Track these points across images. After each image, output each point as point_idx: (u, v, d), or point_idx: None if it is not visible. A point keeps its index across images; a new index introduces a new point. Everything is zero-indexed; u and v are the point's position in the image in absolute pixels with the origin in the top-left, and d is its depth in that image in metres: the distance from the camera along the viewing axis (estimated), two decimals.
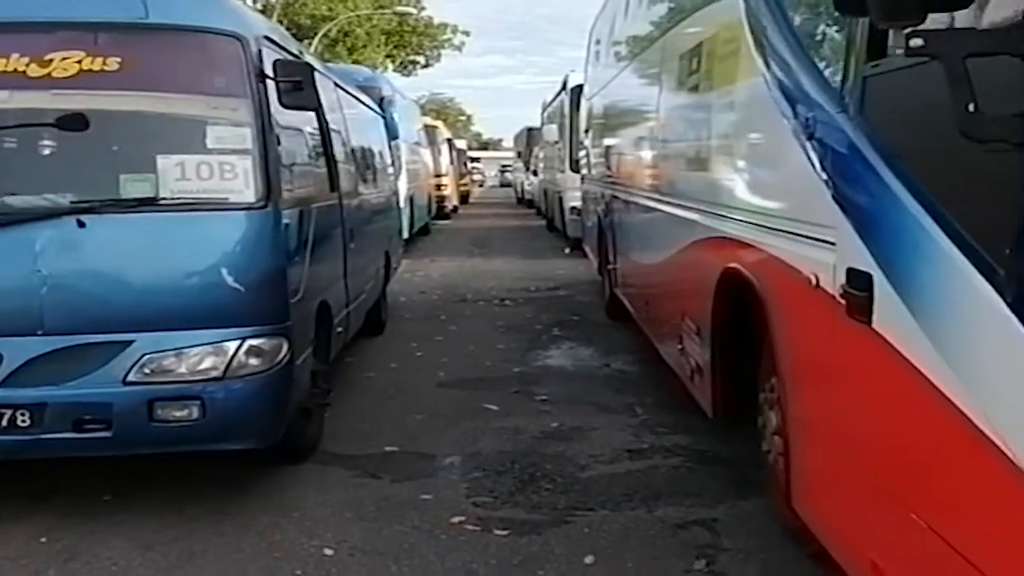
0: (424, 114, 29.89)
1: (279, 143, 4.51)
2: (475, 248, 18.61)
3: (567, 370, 7.50)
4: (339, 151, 6.58)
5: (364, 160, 8.41)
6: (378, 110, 11.07)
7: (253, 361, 4.19)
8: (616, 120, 8.49)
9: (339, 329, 5.94)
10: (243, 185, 4.22)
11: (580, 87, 14.14)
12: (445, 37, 45.74)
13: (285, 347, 4.29)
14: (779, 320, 3.28)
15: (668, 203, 5.56)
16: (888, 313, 2.31)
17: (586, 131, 11.74)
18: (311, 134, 5.60)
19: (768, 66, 3.37)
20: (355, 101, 8.68)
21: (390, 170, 11.40)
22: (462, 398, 6.59)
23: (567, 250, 17.09)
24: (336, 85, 7.18)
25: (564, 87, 17.36)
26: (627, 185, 7.64)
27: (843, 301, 2.56)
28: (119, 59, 4.22)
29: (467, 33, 46.64)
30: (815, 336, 2.88)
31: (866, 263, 2.40)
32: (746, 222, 3.71)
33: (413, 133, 21.34)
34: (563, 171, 17.08)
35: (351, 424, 5.87)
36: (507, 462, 5.12)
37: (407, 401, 6.50)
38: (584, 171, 12.80)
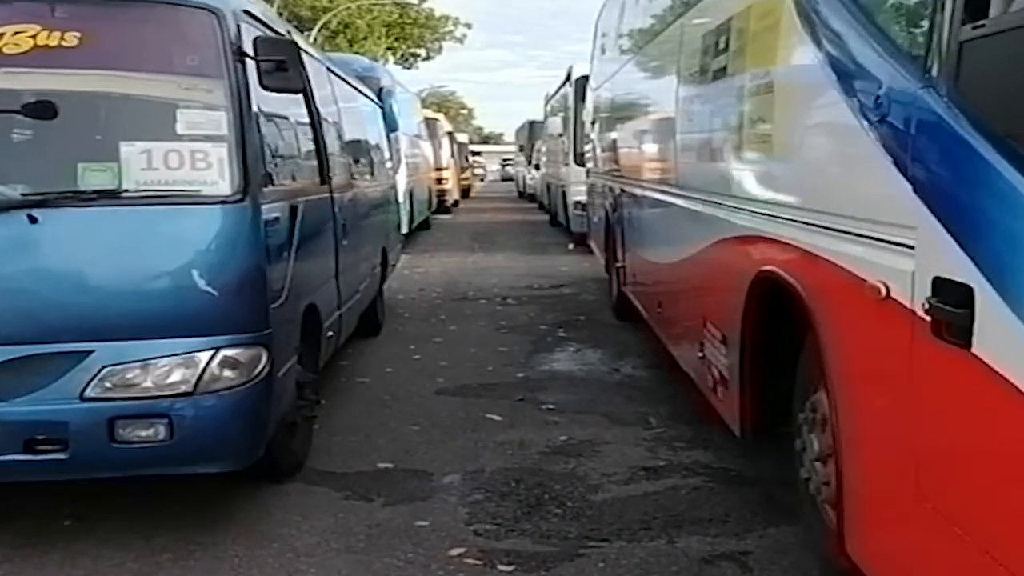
0: (425, 107, 29.42)
1: (259, 130, 4.05)
2: (476, 244, 18.15)
3: (574, 376, 7.04)
4: (331, 141, 6.12)
5: (360, 152, 7.95)
6: (376, 100, 10.61)
7: (228, 374, 3.73)
8: (626, 111, 8.02)
9: (329, 334, 5.48)
10: (217, 176, 3.76)
11: (585, 78, 13.65)
12: (446, 29, 45.36)
13: (264, 357, 3.83)
14: (832, 334, 2.82)
15: (687, 198, 5.10)
16: (995, 335, 1.86)
17: (592, 123, 11.26)
18: (298, 122, 5.14)
19: (820, 38, 2.90)
20: (351, 89, 8.21)
21: (388, 163, 10.94)
22: (462, 407, 6.13)
23: (571, 245, 16.64)
24: (329, 71, 6.71)
25: (568, 78, 16.88)
26: (639, 179, 7.17)
27: (927, 317, 2.10)
28: (78, 34, 3.75)
29: (468, 25, 46.33)
30: (885, 356, 2.42)
31: (964, 273, 1.94)
32: (788, 219, 3.24)
33: (413, 126, 20.87)
34: (567, 164, 16.61)
35: (342, 437, 5.41)
36: (511, 482, 4.66)
37: (403, 410, 6.05)
38: (590, 164, 12.33)
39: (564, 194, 17.53)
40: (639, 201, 7.20)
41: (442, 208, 26.12)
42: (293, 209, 4.48)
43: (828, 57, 2.84)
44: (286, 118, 4.80)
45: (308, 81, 5.38)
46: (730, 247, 4.10)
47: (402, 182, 16.32)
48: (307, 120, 5.36)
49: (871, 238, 2.45)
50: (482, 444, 5.29)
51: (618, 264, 8.87)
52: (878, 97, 2.34)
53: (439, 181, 26.00)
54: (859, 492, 2.74)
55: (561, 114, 17.82)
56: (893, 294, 2.31)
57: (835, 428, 2.87)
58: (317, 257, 5.17)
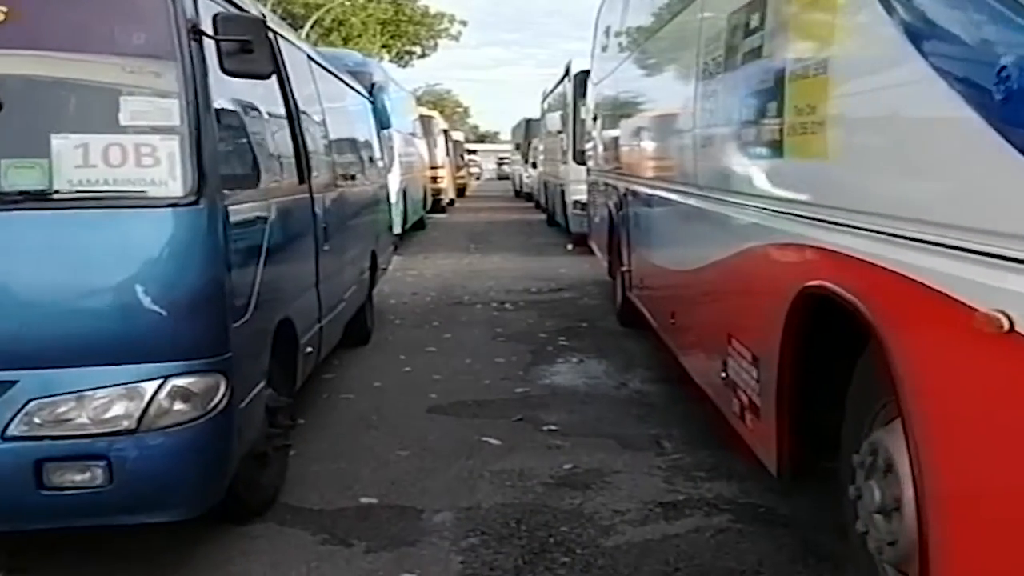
0: (420, 106, 28.86)
1: (219, 121, 3.48)
2: (472, 244, 17.59)
3: (578, 391, 6.48)
4: (313, 137, 5.57)
5: (347, 149, 7.40)
6: (367, 95, 10.05)
7: (179, 407, 3.17)
8: (634, 105, 7.46)
9: (308, 350, 4.92)
10: (167, 174, 3.20)
11: (585, 73, 13.10)
12: (442, 27, 44.87)
13: (223, 386, 3.27)
14: (917, 372, 2.26)
15: (709, 199, 4.55)
16: None
17: (594, 119, 10.71)
18: (271, 114, 4.58)
19: (895, 2, 2.35)
20: (338, 83, 7.65)
21: (380, 161, 10.38)
22: (456, 427, 5.58)
23: (570, 246, 16.09)
24: (312, 61, 6.15)
25: (567, 73, 16.33)
26: (648, 177, 6.61)
27: None
28: (3, 8, 3.19)
29: (464, 23, 45.86)
30: (1003, 404, 1.87)
31: None
32: (851, 227, 2.68)
33: (407, 123, 20.30)
34: (566, 162, 16.05)
35: (321, 465, 4.85)
36: (511, 522, 4.11)
37: (391, 432, 5.49)
38: (591, 162, 11.77)
39: (563, 193, 16.97)
40: (649, 201, 6.64)
41: (437, 207, 25.55)
42: (263, 212, 3.93)
43: (908, 22, 2.28)
44: (256, 109, 4.24)
45: (284, 69, 4.83)
46: (765, 255, 3.54)
47: (395, 181, 15.77)
48: (283, 113, 4.81)
49: (987, 255, 1.89)
50: (478, 473, 4.74)
51: (623, 268, 8.32)
52: (1002, 69, 1.79)
53: (434, 180, 25.45)
54: (958, 567, 2.18)
55: (559, 111, 17.26)
56: (1019, 327, 1.76)
57: (920, 484, 2.32)
58: (293, 265, 4.62)
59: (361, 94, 9.71)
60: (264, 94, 4.35)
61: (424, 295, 11.08)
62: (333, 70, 7.60)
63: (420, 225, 20.58)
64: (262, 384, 3.85)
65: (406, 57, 44.88)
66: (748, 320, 3.90)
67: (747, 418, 3.98)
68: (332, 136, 6.48)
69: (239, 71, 3.49)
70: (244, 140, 3.94)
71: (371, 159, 9.17)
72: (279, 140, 4.67)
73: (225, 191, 3.40)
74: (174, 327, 3.14)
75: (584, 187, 13.34)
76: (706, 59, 4.48)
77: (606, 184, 9.63)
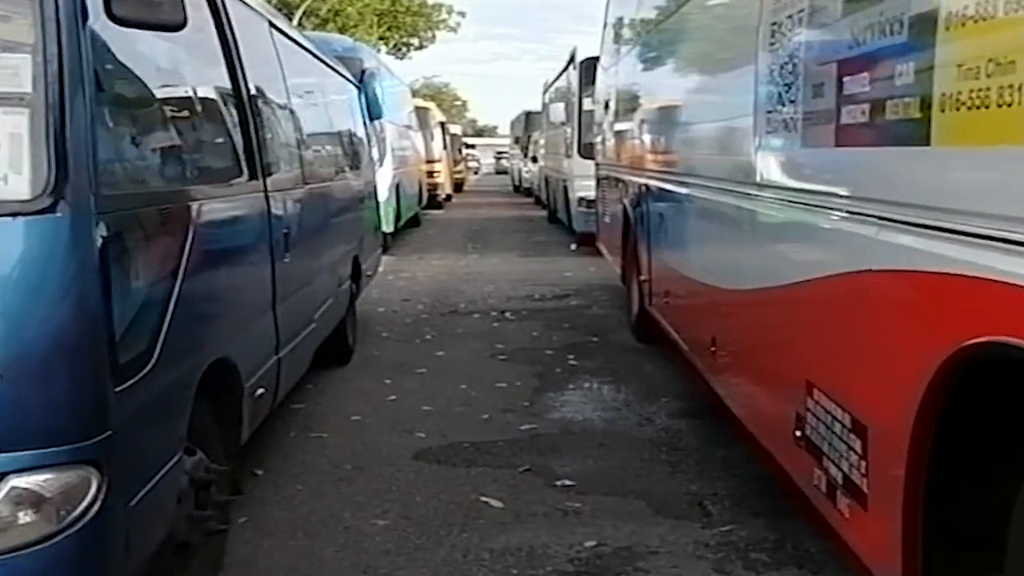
0: (418, 99, 27.77)
1: (101, 90, 2.42)
2: (470, 243, 16.51)
3: (595, 428, 5.42)
4: (273, 123, 4.51)
5: (325, 139, 6.34)
6: (353, 80, 8.97)
7: (24, 520, 2.12)
8: (661, 87, 6.39)
9: (260, 391, 3.86)
10: (6, 165, 2.14)
11: (593, 60, 12.06)
12: (440, 18, 43.87)
13: (95, 484, 2.21)
14: None
15: (779, 201, 3.48)
16: None
17: (605, 107, 9.63)
18: (203, 89, 3.52)
19: None
20: (315, 62, 6.59)
21: (369, 154, 9.32)
22: (449, 481, 4.53)
23: (573, 246, 15.04)
24: (273, 27, 5.08)
25: (572, 61, 15.25)
26: (679, 172, 5.54)
27: None
28: None
29: (462, 14, 44.77)
30: None
31: None
32: None
33: (402, 114, 19.24)
34: (570, 156, 14.98)
35: (276, 540, 3.81)
36: None
37: (368, 487, 4.44)
38: (600, 156, 10.70)
39: (566, 189, 15.90)
40: (679, 200, 5.58)
41: (433, 203, 24.48)
42: (179, 220, 2.86)
43: None
44: (173, 81, 3.18)
45: (229, 34, 3.76)
46: (891, 287, 2.48)
47: (387, 175, 14.72)
48: (225, 90, 3.75)
49: None
50: (473, 555, 3.68)
51: (641, 277, 7.26)
52: None
53: (430, 174, 24.37)
54: None
55: (563, 101, 16.19)
56: None
57: None
58: (234, 287, 3.56)
59: (348, 80, 8.66)
60: (190, 61, 3.29)
61: (416, 302, 10.02)
62: (310, 47, 6.53)
63: (415, 222, 19.53)
64: (176, 457, 2.79)
65: (403, 49, 43.96)
66: (849, 371, 2.84)
67: (841, 502, 2.92)
68: (303, 124, 5.43)
69: (134, 18, 2.43)
70: (149, 121, 2.88)
71: (357, 152, 8.11)
72: (214, 124, 3.61)
73: (106, 192, 2.33)
74: (14, 398, 2.08)
75: (590, 183, 12.30)
76: (778, 18, 3.40)
77: (619, 179, 8.56)
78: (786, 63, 3.27)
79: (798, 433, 3.29)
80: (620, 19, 8.83)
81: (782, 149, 3.40)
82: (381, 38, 41.46)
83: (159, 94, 3.00)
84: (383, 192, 14.39)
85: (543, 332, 8.27)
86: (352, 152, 7.79)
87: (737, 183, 4.06)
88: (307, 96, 5.93)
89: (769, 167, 3.60)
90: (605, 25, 10.14)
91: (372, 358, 7.23)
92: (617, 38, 9.14)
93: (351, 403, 5.93)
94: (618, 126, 8.71)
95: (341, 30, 37.51)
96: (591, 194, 13.05)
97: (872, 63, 2.56)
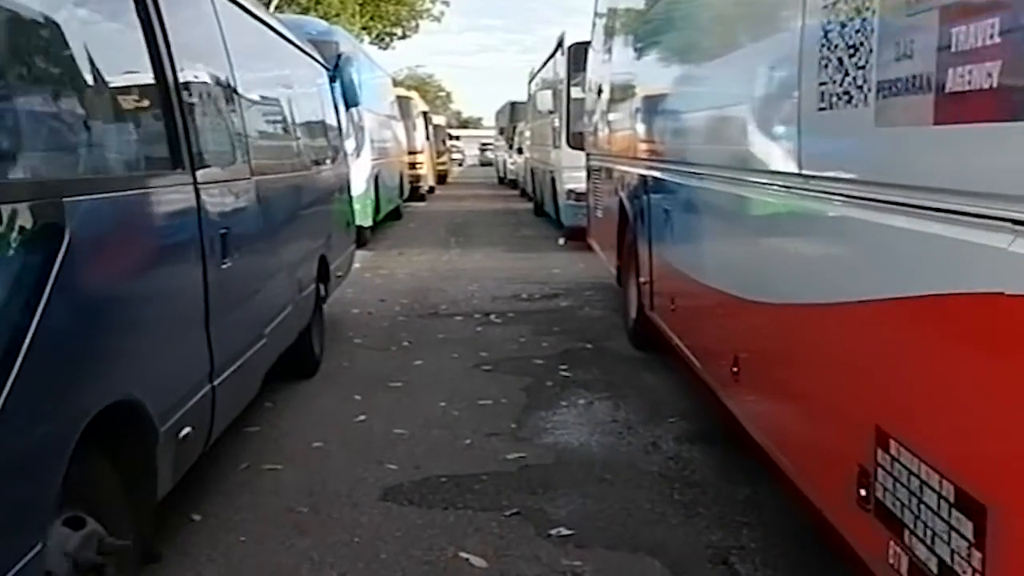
0: (403, 89, 26.98)
1: None
2: (452, 237, 15.76)
3: (593, 456, 4.70)
4: (210, 105, 3.76)
5: (284, 126, 5.58)
6: (324, 64, 8.19)
7: None
8: (669, 65, 5.62)
9: (185, 431, 3.11)
10: None
11: (583, 45, 11.34)
12: (423, 7, 43.06)
13: None
14: None
15: (834, 196, 2.75)
16: None
17: (598, 92, 8.88)
18: (106, 59, 2.76)
19: None
20: (273, 39, 5.83)
21: (342, 143, 8.55)
22: (421, 530, 3.80)
23: (561, 241, 14.32)
24: None
25: (560, 46, 14.49)
26: (692, 162, 4.79)
27: None
28: None
29: (447, 3, 44.02)
30: None
31: None
32: None
33: (383, 103, 18.47)
34: (558, 146, 14.24)
35: None
36: None
37: (326, 539, 3.70)
38: (592, 146, 9.96)
39: (554, 181, 15.17)
40: (691, 195, 4.85)
41: (416, 195, 23.75)
42: (45, 219, 2.11)
43: None
44: (56, 49, 2.42)
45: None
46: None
47: (365, 166, 13.99)
48: (139, 60, 3.00)
49: None
50: None
51: (641, 279, 6.53)
52: None
53: (412, 166, 23.63)
54: None
55: (550, 89, 15.44)
56: None
57: None
58: (140, 305, 2.80)
59: (317, 62, 7.89)
60: (85, 29, 2.53)
61: (394, 303, 9.27)
62: (271, 23, 5.78)
63: (396, 215, 18.78)
64: (37, 547, 2.04)
65: (387, 39, 43.22)
66: (953, 425, 2.12)
67: None
68: (254, 109, 4.68)
69: None
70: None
71: (327, 141, 7.35)
72: (115, 104, 2.86)
73: None
74: None
75: (580, 175, 11.60)
76: None
77: (615, 171, 7.83)
78: (851, 17, 2.54)
79: (863, 492, 2.58)
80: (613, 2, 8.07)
81: (842, 130, 2.67)
82: (364, 27, 40.66)
83: (32, 61, 2.25)
84: (360, 184, 13.66)
85: (531, 338, 7.55)
86: (320, 141, 7.04)
87: (771, 174, 3.33)
88: (261, 78, 5.18)
89: (820, 153, 2.87)
90: (595, 10, 9.41)
91: (341, 370, 6.48)
92: (612, 15, 8.39)
93: (313, 425, 5.20)
94: (614, 112, 7.97)
95: (323, 19, 36.73)
96: (581, 186, 12.33)
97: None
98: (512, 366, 6.59)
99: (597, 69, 9.05)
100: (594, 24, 9.61)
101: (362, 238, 13.97)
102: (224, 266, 3.57)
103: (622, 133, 7.43)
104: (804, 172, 2.95)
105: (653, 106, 6.05)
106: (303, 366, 6.05)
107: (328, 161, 7.28)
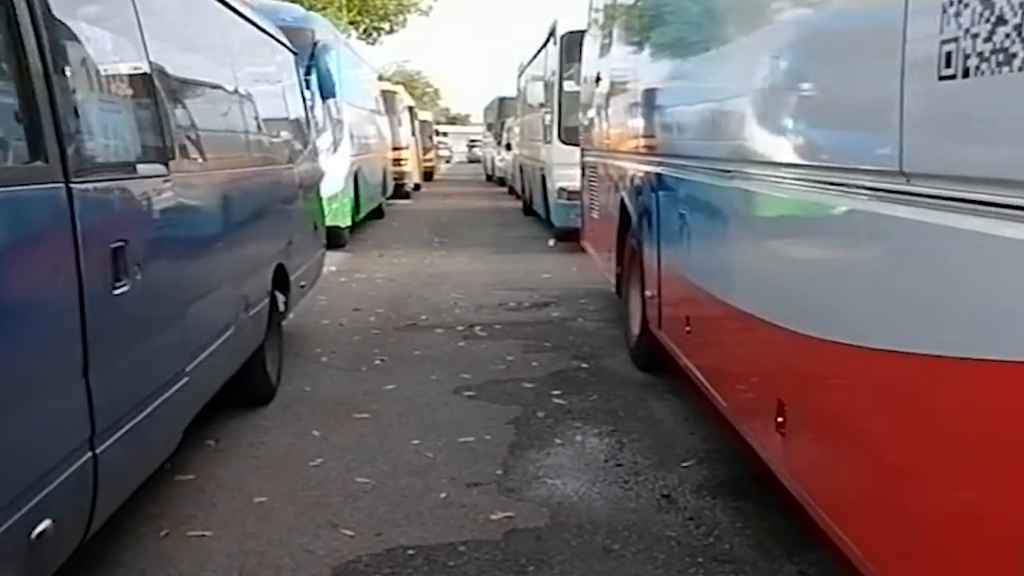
0: (390, 85, 26.04)
1: None
2: (436, 238, 14.87)
3: (596, 515, 3.84)
4: (97, 77, 2.88)
5: (224, 113, 4.70)
6: (290, 47, 7.30)
7: None
8: (697, 40, 4.70)
9: (41, 528, 2.23)
10: None
11: (577, 34, 10.52)
12: (411, 1, 42.14)
13: None
14: None
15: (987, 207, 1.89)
16: None
17: (597, 81, 8.01)
18: None
19: None
20: (219, 10, 4.95)
21: (311, 137, 7.69)
22: None
23: (552, 242, 13.49)
24: None
25: (552, 36, 13.63)
26: (729, 158, 3.85)
27: None
28: None
29: None
30: None
31: None
32: None
33: (366, 96, 17.56)
34: (549, 142, 13.38)
35: None
36: None
37: None
38: (587, 140, 9.11)
39: (544, 179, 14.32)
40: (724, 198, 3.97)
41: (400, 193, 22.83)
42: None
43: None
44: None
45: None
46: None
47: (343, 162, 13.11)
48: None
49: None
50: None
51: (648, 292, 5.68)
52: None
53: (397, 162, 22.71)
54: None
55: (541, 81, 14.57)
56: None
57: None
58: None
59: (285, 47, 7.00)
60: None
61: (369, 312, 8.39)
62: None
63: (378, 214, 17.86)
64: None
65: (374, 34, 42.33)
66: None
67: None
68: (181, 91, 3.80)
69: None
70: None
71: (290, 134, 6.48)
72: None
73: None
74: None
75: (573, 172, 10.81)
76: None
77: (616, 167, 6.98)
78: None
79: None
80: None
81: (985, 108, 1.81)
82: (351, 23, 39.75)
83: None
84: (337, 182, 12.77)
85: (520, 355, 6.69)
86: (281, 134, 6.17)
87: (850, 172, 2.47)
88: (197, 58, 4.31)
89: (938, 144, 2.01)
90: None
91: (301, 396, 5.61)
92: (607, 4, 7.52)
93: (259, 472, 4.33)
94: (616, 102, 7.09)
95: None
96: (574, 184, 11.52)
97: None
98: (498, 391, 5.73)
99: (596, 56, 8.17)
100: (591, 7, 8.75)
101: (340, 239, 13.11)
102: (118, 291, 2.70)
103: (626, 125, 6.56)
104: (907, 170, 2.10)
105: (670, 92, 5.17)
106: (255, 393, 5.20)
107: (291, 157, 6.40)
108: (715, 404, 4.10)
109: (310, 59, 12.13)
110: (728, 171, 3.72)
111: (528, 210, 18.32)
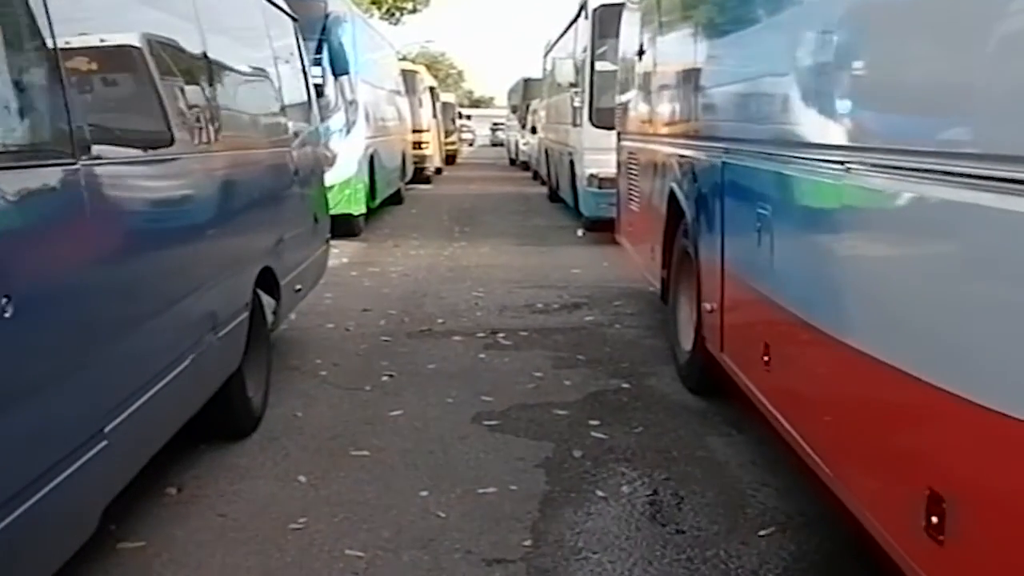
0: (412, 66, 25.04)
1: None
2: (457, 226, 13.93)
3: None
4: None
5: (181, 86, 3.76)
6: (287, 10, 6.35)
7: None
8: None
9: None
10: None
11: (613, 7, 9.58)
12: None
13: None
14: None
15: None
16: None
17: (640, 55, 7.03)
18: None
19: None
20: None
21: (314, 116, 6.76)
22: None
23: (580, 232, 12.56)
24: None
25: (583, 10, 12.61)
26: (860, 144, 2.85)
27: None
28: None
29: None
30: None
31: None
32: None
33: (384, 75, 16.60)
34: (579, 125, 12.39)
35: None
36: None
37: None
38: (625, 123, 8.14)
39: (572, 164, 13.35)
40: (827, 197, 3.00)
41: (420, 177, 21.87)
42: None
43: None
44: None
45: None
46: None
47: (357, 145, 12.23)
48: None
49: None
50: None
51: (706, 305, 4.72)
52: None
53: (418, 145, 21.72)
54: None
55: (571, 59, 13.56)
56: None
57: None
58: None
59: (281, 9, 6.07)
60: None
61: (380, 313, 7.49)
62: None
63: (396, 199, 16.93)
64: None
65: (397, 14, 41.44)
66: None
67: None
68: (108, 58, 2.87)
69: None
70: None
71: (287, 111, 5.56)
72: None
73: None
74: None
75: (606, 157, 9.89)
76: None
77: (664, 154, 6.02)
78: None
79: None
80: None
81: None
82: (373, 2, 38.87)
83: None
84: (350, 166, 11.87)
85: (550, 371, 5.77)
86: (271, 110, 5.25)
87: None
88: (161, 23, 3.38)
89: None
90: None
91: (291, 425, 4.71)
92: None
93: (225, 538, 3.43)
94: (667, 79, 6.09)
95: None
96: (606, 171, 10.61)
97: None
98: (525, 420, 4.82)
99: (639, 28, 7.19)
100: None
101: (353, 228, 12.24)
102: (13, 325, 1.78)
103: (681, 105, 5.57)
104: None
105: (748, 62, 4.18)
106: (232, 425, 4.30)
107: (284, 137, 5.48)
108: (811, 466, 3.14)
109: (321, 32, 11.23)
110: (843, 163, 2.74)
111: (554, 197, 17.37)
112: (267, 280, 4.68)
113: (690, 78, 5.13)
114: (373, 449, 4.36)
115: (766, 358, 3.66)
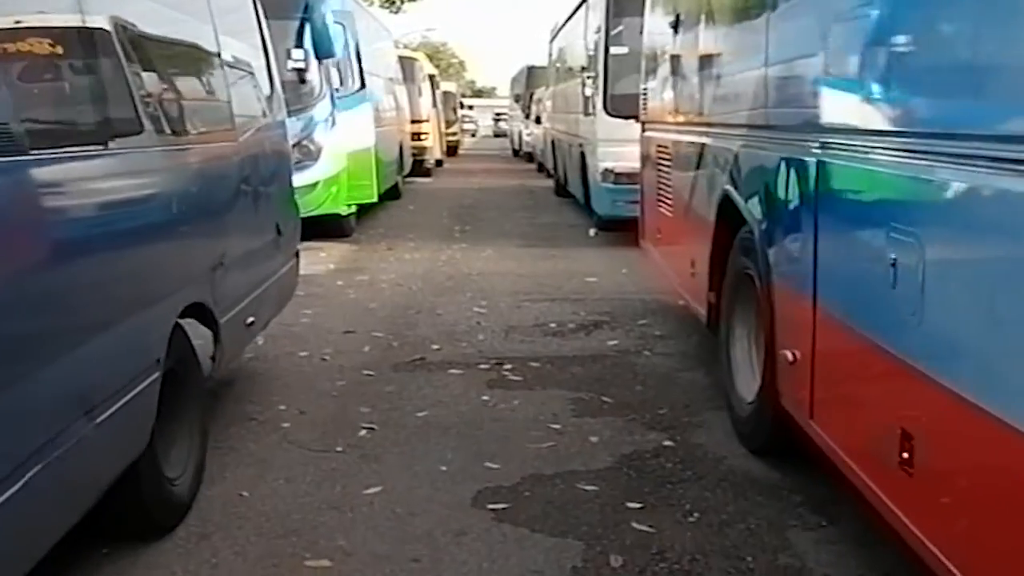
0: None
1: None
2: (457, 225, 12.73)
3: None
4: None
5: (56, 64, 2.56)
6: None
7: None
8: None
9: None
10: None
11: None
12: None
13: None
14: None
15: None
16: None
17: (675, 28, 5.82)
18: None
19: None
20: None
21: (278, 105, 5.55)
22: None
23: (593, 232, 11.39)
24: None
25: None
26: None
27: None
28: None
29: None
30: None
31: None
32: None
33: (378, 61, 15.36)
34: (591, 114, 11.18)
35: None
36: None
37: None
38: (651, 111, 6.94)
39: (583, 156, 12.15)
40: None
41: (420, 170, 20.66)
42: None
43: None
44: None
45: None
46: None
47: (343, 136, 10.95)
48: None
49: None
50: None
51: (785, 351, 3.52)
52: None
53: (416, 136, 20.50)
54: None
55: (583, 43, 12.35)
56: None
57: None
58: None
59: None
60: None
61: (363, 337, 6.31)
62: None
63: (393, 194, 15.70)
64: None
65: (397, 1, 40.22)
66: None
67: None
68: None
69: None
70: None
71: (230, 101, 4.34)
72: None
73: None
74: None
75: (622, 149, 8.89)
76: None
77: (712, 148, 4.82)
78: None
79: None
80: None
81: None
82: None
83: None
84: (338, 161, 10.68)
85: (569, 420, 4.60)
86: (211, 94, 4.04)
87: None
88: None
89: None
90: None
91: (231, 511, 3.52)
92: None
93: None
94: (716, 54, 4.88)
95: None
96: (623, 165, 9.49)
97: None
98: (542, 501, 3.63)
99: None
100: None
101: (343, 228, 11.09)
102: None
103: (739, 86, 4.34)
104: None
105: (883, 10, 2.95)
106: (141, 522, 3.12)
107: (240, 129, 4.28)
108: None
109: (304, 11, 10.02)
110: None
111: (561, 191, 16.18)
112: (203, 318, 3.50)
113: (759, 48, 3.90)
114: (337, 556, 3.18)
115: (905, 455, 2.46)
